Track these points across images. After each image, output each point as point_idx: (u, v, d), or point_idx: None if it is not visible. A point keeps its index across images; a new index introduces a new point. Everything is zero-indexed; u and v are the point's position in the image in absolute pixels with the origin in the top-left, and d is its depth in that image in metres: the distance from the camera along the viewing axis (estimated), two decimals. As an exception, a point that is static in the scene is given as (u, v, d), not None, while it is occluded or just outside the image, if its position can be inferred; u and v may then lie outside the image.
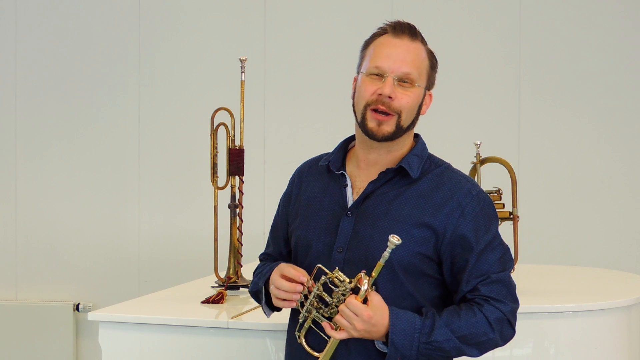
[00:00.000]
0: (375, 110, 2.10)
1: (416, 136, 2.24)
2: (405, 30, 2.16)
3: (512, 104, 4.98)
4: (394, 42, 2.14)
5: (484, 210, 2.12)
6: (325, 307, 2.05)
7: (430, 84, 2.20)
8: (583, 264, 4.64)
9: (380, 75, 2.11)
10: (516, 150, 4.92)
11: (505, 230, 2.90)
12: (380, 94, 2.10)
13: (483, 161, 3.34)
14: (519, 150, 4.94)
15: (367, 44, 2.19)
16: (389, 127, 2.11)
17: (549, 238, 4.95)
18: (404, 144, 2.18)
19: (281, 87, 5.12)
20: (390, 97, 2.09)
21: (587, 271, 4.09)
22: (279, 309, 2.24)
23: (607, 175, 4.96)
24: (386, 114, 2.10)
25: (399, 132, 2.12)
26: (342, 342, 2.08)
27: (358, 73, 2.19)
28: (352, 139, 2.26)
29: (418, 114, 2.18)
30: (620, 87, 4.94)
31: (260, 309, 2.90)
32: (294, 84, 5.11)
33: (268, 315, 2.31)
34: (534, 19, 4.99)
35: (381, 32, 2.18)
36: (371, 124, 2.11)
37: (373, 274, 2.01)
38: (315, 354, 2.09)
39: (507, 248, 2.15)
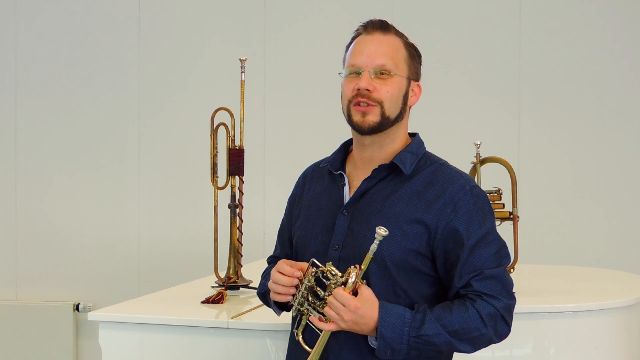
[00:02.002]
0: (358, 104, 2.13)
1: (413, 135, 2.25)
2: (376, 26, 2.20)
3: (512, 104, 4.98)
4: (366, 39, 2.18)
5: (477, 204, 2.12)
6: (319, 301, 2.06)
7: (413, 74, 2.21)
8: (583, 264, 4.64)
9: (358, 73, 2.15)
10: (516, 150, 4.92)
11: (505, 230, 2.91)
12: (359, 89, 2.13)
13: (483, 161, 3.34)
14: (519, 150, 4.94)
15: (346, 48, 2.24)
16: (373, 116, 2.12)
17: (549, 238, 4.95)
18: (396, 140, 2.19)
19: (281, 87, 5.12)
20: (368, 90, 2.12)
21: (587, 271, 4.08)
22: (288, 309, 2.25)
23: (606, 175, 4.97)
24: (368, 104, 2.13)
25: (386, 122, 2.14)
26: (334, 337, 2.09)
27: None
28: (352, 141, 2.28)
29: (405, 104, 2.18)
30: (620, 87, 4.96)
31: (260, 309, 2.94)
32: (294, 84, 5.11)
33: (278, 314, 2.32)
34: (534, 19, 4.99)
35: (356, 34, 2.23)
36: (356, 117, 2.14)
37: (362, 266, 2.02)
38: (309, 349, 2.10)
39: (503, 244, 2.15)
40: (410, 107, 2.23)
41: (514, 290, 2.16)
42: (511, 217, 3.31)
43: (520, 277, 3.47)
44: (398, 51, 2.17)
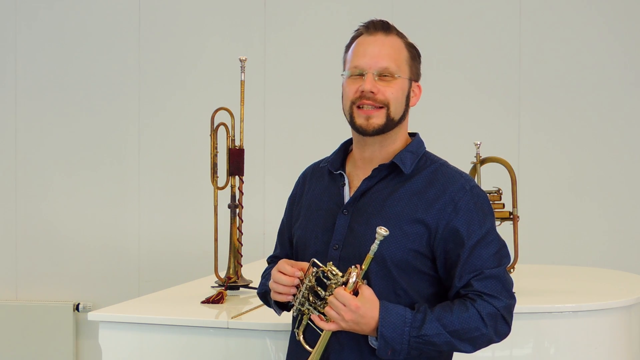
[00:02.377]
0: (361, 107, 2.14)
1: (413, 135, 2.26)
2: (378, 27, 2.19)
3: (512, 104, 5.00)
4: (368, 40, 2.18)
5: (477, 204, 2.12)
6: (320, 301, 2.06)
7: (414, 75, 2.22)
8: (583, 263, 4.66)
9: (360, 75, 2.15)
10: (516, 150, 4.93)
11: (505, 230, 2.90)
12: (362, 91, 2.13)
13: (483, 161, 3.34)
14: (519, 150, 4.95)
15: (347, 48, 2.25)
16: (378, 119, 2.14)
17: (549, 238, 4.96)
18: (396, 139, 2.20)
19: (281, 87, 5.13)
20: (372, 92, 2.13)
21: (587, 271, 4.10)
22: (289, 308, 2.26)
23: (606, 174, 4.99)
24: (374, 107, 2.13)
25: (391, 124, 2.15)
26: (335, 337, 2.09)
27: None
28: (352, 140, 2.29)
29: (407, 105, 2.20)
30: (619, 87, 4.98)
31: (260, 309, 2.94)
32: (294, 84, 5.12)
33: (279, 314, 2.32)
34: (534, 20, 5.01)
35: (357, 34, 2.22)
36: (359, 120, 2.15)
37: (363, 266, 2.03)
38: (310, 348, 2.11)
39: (503, 244, 2.15)
40: (411, 107, 2.23)
41: (514, 290, 2.17)
42: (511, 217, 3.31)
43: (520, 277, 3.49)
44: (400, 53, 2.18)
